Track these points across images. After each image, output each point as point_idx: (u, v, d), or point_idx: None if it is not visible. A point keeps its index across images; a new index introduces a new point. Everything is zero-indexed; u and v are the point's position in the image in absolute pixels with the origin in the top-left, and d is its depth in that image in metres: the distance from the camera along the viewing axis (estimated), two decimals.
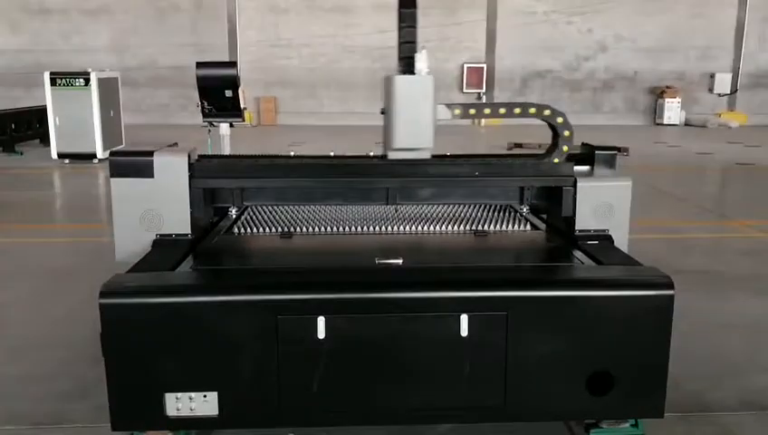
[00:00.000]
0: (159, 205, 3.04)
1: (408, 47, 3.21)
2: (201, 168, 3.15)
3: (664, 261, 5.49)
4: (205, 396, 2.42)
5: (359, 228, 3.21)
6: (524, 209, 3.47)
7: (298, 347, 2.38)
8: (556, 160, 3.28)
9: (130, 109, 15.56)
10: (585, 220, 3.13)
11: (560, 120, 3.26)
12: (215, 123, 6.53)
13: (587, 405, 2.50)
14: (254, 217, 3.41)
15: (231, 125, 6.46)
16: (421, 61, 3.17)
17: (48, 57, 18.66)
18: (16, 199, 8.45)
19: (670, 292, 2.43)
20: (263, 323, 2.36)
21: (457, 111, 3.24)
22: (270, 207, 3.52)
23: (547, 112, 3.25)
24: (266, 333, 2.36)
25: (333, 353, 2.40)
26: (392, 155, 3.21)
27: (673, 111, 19.34)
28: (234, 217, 3.40)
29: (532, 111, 3.26)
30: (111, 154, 3.11)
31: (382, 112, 3.26)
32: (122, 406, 2.40)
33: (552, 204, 3.30)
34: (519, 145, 13.41)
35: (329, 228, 3.21)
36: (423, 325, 2.40)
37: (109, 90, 11.64)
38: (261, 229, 3.20)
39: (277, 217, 3.41)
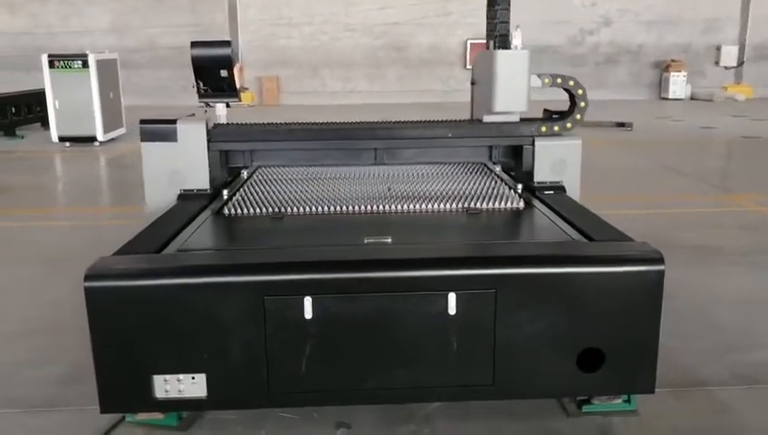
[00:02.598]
0: (182, 165, 3.65)
1: (504, 26, 3.90)
2: (217, 133, 3.81)
3: (661, 236, 5.45)
4: (193, 378, 2.43)
5: (350, 208, 3.19)
6: (497, 169, 3.96)
7: (285, 328, 2.38)
8: (569, 125, 3.80)
9: (131, 91, 15.49)
10: (542, 173, 3.68)
11: (580, 91, 3.83)
12: (211, 104, 6.45)
13: (577, 382, 2.49)
14: (245, 196, 3.40)
15: (227, 105, 6.37)
16: (517, 38, 3.81)
17: (47, 40, 18.59)
18: (16, 183, 8.45)
19: (660, 267, 2.41)
20: (249, 304, 2.36)
21: (547, 80, 3.84)
22: (267, 184, 3.66)
23: (572, 83, 3.84)
24: (253, 314, 2.36)
25: (321, 334, 2.39)
26: (488, 118, 3.85)
27: (678, 84, 19.11)
28: (245, 177, 3.92)
29: (559, 80, 3.85)
30: (141, 122, 3.76)
31: (472, 84, 4.11)
32: (110, 388, 2.41)
33: (517, 160, 3.88)
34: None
35: (320, 208, 3.19)
36: (410, 304, 2.39)
37: (108, 72, 11.58)
38: (254, 210, 3.19)
39: (272, 197, 3.40)
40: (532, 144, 3.72)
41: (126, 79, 16.83)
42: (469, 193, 3.42)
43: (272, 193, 3.50)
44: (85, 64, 10.99)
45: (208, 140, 3.70)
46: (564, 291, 2.41)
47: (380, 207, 3.20)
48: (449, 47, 19.76)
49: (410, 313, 2.39)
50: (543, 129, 3.79)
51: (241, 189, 3.59)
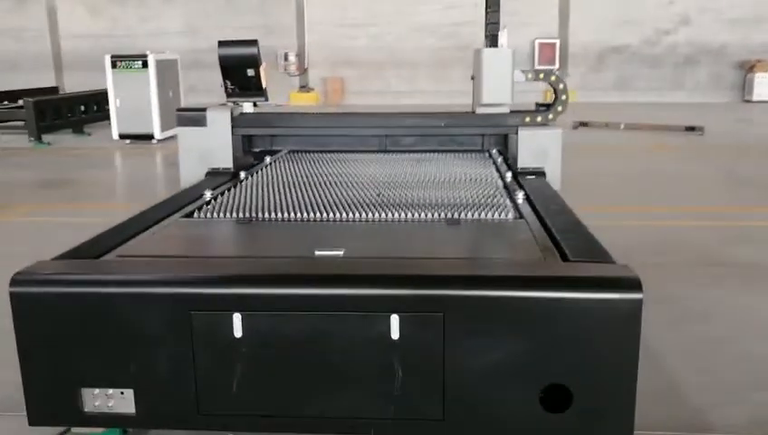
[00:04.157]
0: (210, 146, 4.28)
1: (493, 27, 4.34)
2: (240, 120, 4.50)
3: (708, 251, 4.99)
4: (122, 393, 2.28)
5: (330, 214, 2.99)
6: (499, 160, 4.25)
7: (213, 346, 2.19)
8: (550, 117, 4.20)
9: (204, 90, 15.87)
10: (525, 160, 4.07)
11: (561, 86, 4.25)
12: (239, 103, 6.39)
13: (541, 423, 2.18)
14: (230, 197, 3.29)
15: (254, 105, 6.30)
16: (503, 37, 4.35)
17: (126, 42, 19.28)
18: (79, 178, 8.70)
19: (637, 295, 2.07)
20: (176, 318, 2.18)
21: (530, 75, 4.27)
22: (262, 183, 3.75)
23: (553, 78, 4.28)
24: (180, 329, 2.18)
25: (250, 354, 2.19)
26: (479, 110, 4.29)
27: (764, 86, 17.88)
28: (267, 163, 4.31)
29: (541, 75, 4.29)
30: (177, 110, 4.51)
31: (472, 78, 4.39)
32: (38, 401, 2.29)
33: (506, 148, 4.42)
34: (584, 124, 12.74)
35: (293, 214, 3.00)
36: (348, 326, 2.15)
37: (167, 72, 11.84)
38: (224, 214, 3.04)
39: (253, 200, 3.29)
40: (517, 133, 4.16)
41: (198, 78, 17.26)
42: (458, 198, 3.22)
43: (256, 194, 3.40)
44: (145, 65, 11.26)
45: (232, 126, 4.39)
46: (523, 317, 2.11)
47: (358, 214, 2.99)
48: (516, 47, 19.17)
49: (347, 335, 2.16)
50: (527, 119, 4.22)
51: (234, 187, 3.64)
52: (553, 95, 4.29)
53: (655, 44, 18.74)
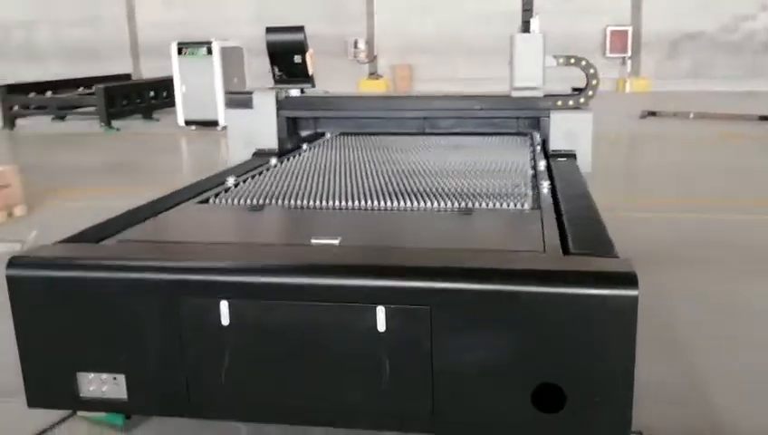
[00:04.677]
0: (257, 127, 4.55)
1: (527, 13, 4.54)
2: (285, 102, 4.77)
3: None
4: (114, 378, 2.30)
5: (343, 202, 2.93)
6: (538, 145, 4.26)
7: (201, 334, 2.18)
8: (582, 100, 4.35)
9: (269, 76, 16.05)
10: (557, 142, 4.24)
11: (592, 71, 4.41)
12: (286, 90, 6.39)
13: (534, 423, 2.07)
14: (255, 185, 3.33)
15: (302, 91, 6.28)
16: (535, 23, 4.49)
17: (198, 30, 19.73)
18: (133, 163, 8.98)
19: (632, 292, 1.92)
20: (164, 304, 2.18)
21: (561, 61, 4.44)
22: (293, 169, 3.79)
23: (584, 63, 4.41)
24: (168, 316, 2.18)
25: (238, 343, 2.17)
26: (514, 93, 4.49)
27: None
28: (303, 150, 4.38)
29: (573, 61, 4.44)
30: (226, 93, 5.54)
31: (509, 63, 4.54)
32: (36, 383, 2.34)
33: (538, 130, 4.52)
34: (653, 113, 12.18)
35: (309, 202, 2.96)
36: (334, 316, 2.10)
37: (232, 59, 12.03)
38: (238, 201, 3.03)
39: (272, 187, 3.28)
40: (549, 116, 4.29)
41: (267, 66, 17.51)
42: (480, 187, 3.14)
43: (278, 181, 3.41)
44: (209, 51, 11.48)
45: (277, 108, 4.64)
46: (511, 312, 2.00)
47: (372, 203, 2.92)
48: (588, 34, 18.57)
49: (333, 325, 2.10)
50: (559, 103, 4.36)
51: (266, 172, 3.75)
52: (586, 81, 4.39)
53: (733, 31, 17.71)
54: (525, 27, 4.60)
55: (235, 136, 4.65)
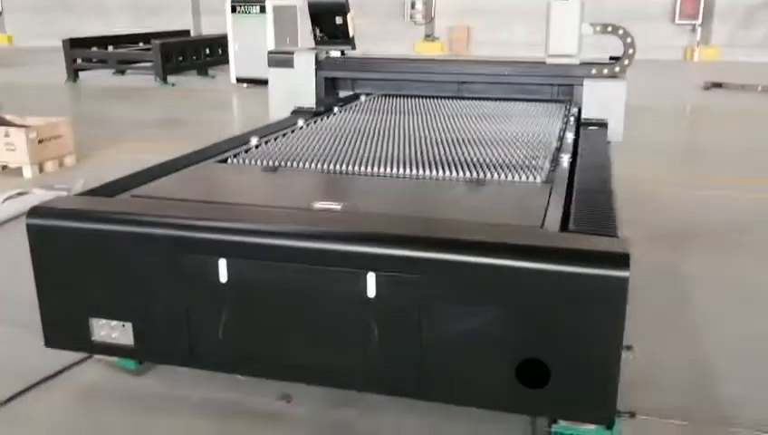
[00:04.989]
0: (296, 86, 4.74)
1: None
2: (325, 63, 4.89)
3: None
4: (123, 325, 2.41)
5: (356, 167, 2.96)
6: (572, 114, 4.28)
7: (201, 289, 2.26)
8: (617, 69, 4.29)
9: None
10: (589, 111, 4.25)
11: (629, 40, 4.32)
12: (327, 51, 6.39)
13: (517, 397, 2.09)
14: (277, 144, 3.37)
15: (342, 53, 6.27)
16: None
17: None
18: (183, 119, 9.19)
19: (622, 272, 1.89)
20: (166, 259, 2.27)
21: (598, 29, 4.41)
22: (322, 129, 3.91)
23: (621, 32, 4.35)
24: (169, 270, 2.27)
25: (234, 299, 2.24)
26: (548, 60, 4.50)
27: None
28: (334, 112, 4.48)
29: (609, 29, 4.40)
30: (269, 53, 5.01)
31: (546, 30, 4.53)
32: (53, 325, 2.47)
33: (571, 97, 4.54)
34: (718, 85, 11.66)
35: (323, 165, 3.00)
36: (326, 280, 2.14)
37: (285, 17, 12.05)
38: (254, 162, 3.09)
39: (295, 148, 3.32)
40: (582, 84, 4.29)
41: None
42: (499, 157, 3.12)
43: (301, 143, 3.45)
44: (263, 10, 11.52)
45: (317, 68, 4.78)
46: (499, 286, 2.00)
47: (385, 169, 2.93)
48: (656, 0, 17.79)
49: (326, 290, 2.15)
50: (594, 71, 4.32)
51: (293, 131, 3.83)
52: (623, 50, 4.33)
53: None
54: None
55: (275, 94, 4.83)
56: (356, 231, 2.15)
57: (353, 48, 6.29)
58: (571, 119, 4.17)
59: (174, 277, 2.27)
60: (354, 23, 6.33)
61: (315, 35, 6.43)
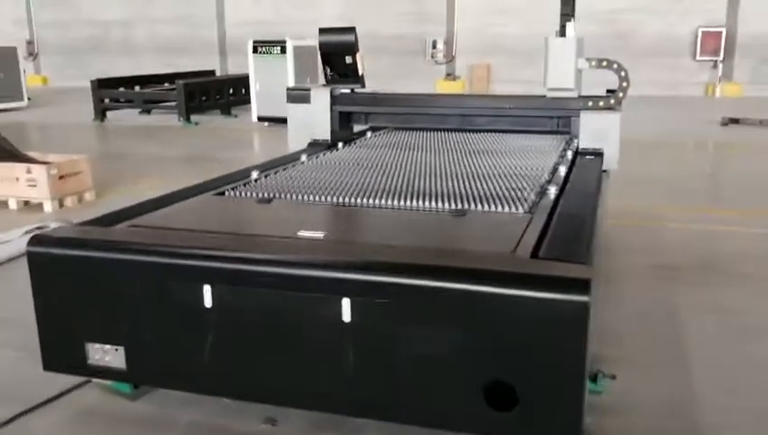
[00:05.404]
0: (313, 120, 5.05)
1: (565, 18, 4.84)
2: (339, 98, 5.19)
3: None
4: (116, 350, 2.52)
5: (346, 199, 3.07)
6: (570, 147, 4.39)
7: (186, 313, 2.37)
8: (612, 102, 4.48)
9: None
10: (585, 141, 4.46)
11: (623, 73, 4.52)
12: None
13: (486, 420, 2.13)
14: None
15: (352, 91, 6.45)
16: (569, 29, 4.75)
17: (284, 28, 20.31)
18: (202, 156, 9.44)
19: (583, 298, 1.95)
20: (155, 285, 2.38)
21: (593, 63, 4.58)
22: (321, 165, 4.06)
23: (615, 66, 4.52)
24: (158, 296, 2.38)
25: (216, 324, 2.34)
26: (548, 94, 4.69)
27: None
28: (338, 148, 4.70)
29: (605, 63, 4.55)
30: (287, 89, 5.33)
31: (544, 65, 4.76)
32: (50, 350, 2.59)
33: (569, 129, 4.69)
34: (735, 121, 11.64)
35: (316, 197, 3.12)
36: (303, 305, 2.23)
37: (305, 57, 12.35)
38: (251, 194, 3.23)
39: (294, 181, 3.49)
40: (578, 116, 4.49)
41: None
42: (485, 190, 3.21)
43: (299, 176, 3.62)
44: (283, 50, 11.86)
45: (332, 103, 5.07)
46: (467, 311, 2.07)
47: (372, 201, 3.04)
48: (678, 36, 17.88)
49: (303, 314, 2.24)
50: (590, 104, 4.50)
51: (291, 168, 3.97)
52: (618, 83, 4.50)
53: None
54: (562, 32, 4.78)
55: (293, 128, 5.17)
56: (331, 258, 2.25)
57: (362, 86, 6.48)
58: (569, 151, 4.26)
59: (161, 302, 2.38)
60: (363, 62, 6.54)
61: (326, 74, 6.65)
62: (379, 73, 20.35)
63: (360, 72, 6.51)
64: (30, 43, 23.82)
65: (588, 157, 4.25)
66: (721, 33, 17.50)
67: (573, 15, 5.03)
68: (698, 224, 5.60)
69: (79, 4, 23.22)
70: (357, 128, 5.56)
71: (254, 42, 12.14)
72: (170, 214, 2.94)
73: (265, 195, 3.19)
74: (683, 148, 9.93)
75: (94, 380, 2.88)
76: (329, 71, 6.56)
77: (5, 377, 3.06)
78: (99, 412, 2.76)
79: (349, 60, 6.40)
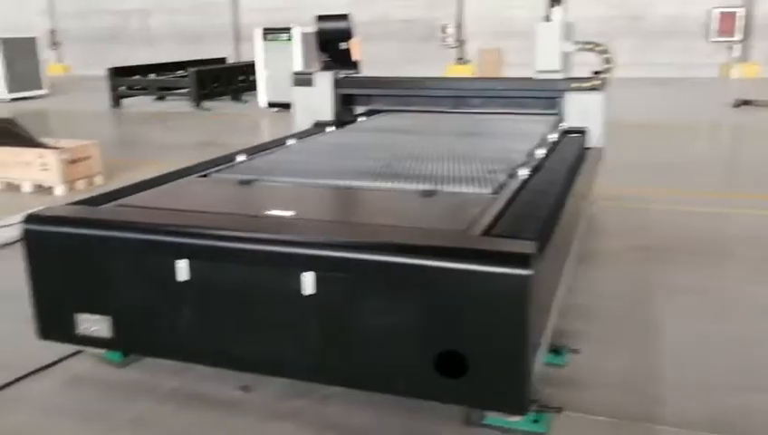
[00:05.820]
0: (316, 103, 5.36)
1: (552, 2, 5.03)
2: (342, 81, 5.46)
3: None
4: (104, 319, 2.71)
5: (322, 180, 3.23)
6: (557, 128, 4.64)
7: (163, 286, 2.54)
8: (597, 82, 4.68)
9: (362, 61, 16.44)
10: (571, 120, 4.74)
11: (606, 55, 4.91)
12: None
13: (437, 387, 2.29)
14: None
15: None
16: (556, 13, 4.96)
17: (295, 14, 20.40)
18: (209, 141, 9.65)
19: (524, 271, 2.09)
20: (135, 259, 2.56)
21: (578, 46, 4.94)
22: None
23: (599, 48, 4.95)
24: (140, 269, 2.57)
25: (189, 297, 2.52)
26: (536, 76, 4.93)
27: None
28: (327, 131, 4.89)
29: (589, 46, 4.99)
30: (293, 73, 5.71)
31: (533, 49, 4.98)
32: (43, 320, 2.79)
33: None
34: (747, 102, 11.57)
35: (294, 178, 3.27)
36: (269, 279, 2.40)
37: (312, 44, 12.43)
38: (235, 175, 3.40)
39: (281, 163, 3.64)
40: (563, 97, 4.76)
41: (366, 51, 17.92)
42: (458, 171, 3.34)
43: (284, 159, 3.78)
44: (291, 37, 11.98)
45: (334, 87, 5.34)
46: (418, 285, 2.22)
47: (349, 181, 3.20)
48: (692, 16, 17.68)
49: (268, 287, 2.41)
50: (575, 85, 4.71)
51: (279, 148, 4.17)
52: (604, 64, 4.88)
53: None
54: (548, 17, 5.03)
55: (298, 110, 5.48)
56: (293, 236, 2.41)
57: (358, 72, 6.61)
58: (554, 131, 4.49)
59: (142, 275, 2.57)
60: (360, 48, 6.66)
61: (322, 60, 6.79)
62: (389, 59, 20.45)
63: (356, 59, 6.66)
64: (53, 32, 24.20)
65: (573, 135, 4.49)
66: (736, 13, 17.28)
67: (560, 1, 5.14)
68: (685, 206, 5.67)
69: None
70: (361, 110, 5.85)
71: (264, 29, 12.29)
72: (156, 194, 3.12)
73: (246, 177, 3.36)
74: (688, 130, 9.92)
75: (87, 349, 3.08)
76: (325, 56, 6.72)
77: (5, 346, 3.28)
78: (89, 379, 2.96)
79: (344, 46, 6.56)
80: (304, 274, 2.33)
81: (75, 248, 2.67)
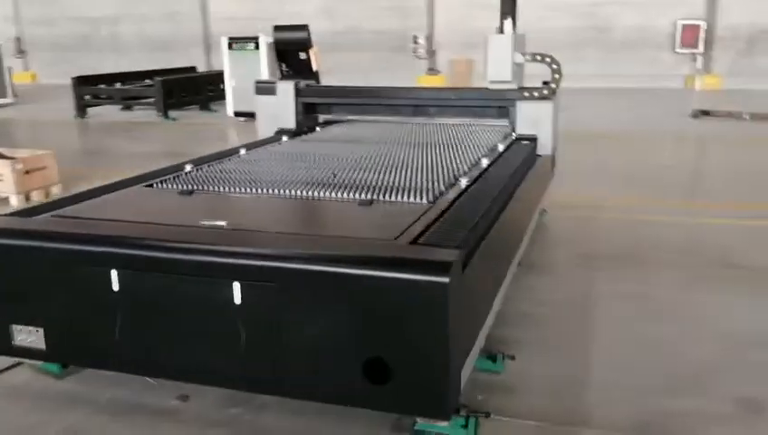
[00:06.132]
0: (279, 111, 5.48)
1: (504, 15, 5.28)
2: (303, 90, 5.55)
3: (729, 253, 4.64)
4: (37, 331, 2.71)
5: (262, 190, 3.26)
6: (508, 138, 4.88)
7: (96, 296, 2.55)
8: (545, 93, 4.88)
9: (338, 71, 16.48)
10: (521, 128, 4.95)
11: (555, 66, 4.92)
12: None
13: (364, 393, 2.33)
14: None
15: (307, 86, 6.64)
16: (507, 26, 5.17)
17: (266, 24, 20.42)
18: (174, 151, 9.62)
19: (443, 279, 2.14)
20: (66, 270, 2.57)
21: (528, 57, 5.04)
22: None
23: (548, 60, 4.95)
24: (71, 280, 2.57)
25: (121, 306, 2.53)
26: (491, 86, 5.09)
27: None
28: (282, 140, 5.01)
29: (539, 57, 4.99)
30: (256, 82, 5.80)
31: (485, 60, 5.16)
32: None
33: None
34: (706, 113, 11.83)
35: (234, 189, 3.30)
36: (200, 289, 2.42)
37: None
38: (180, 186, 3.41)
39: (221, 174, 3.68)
40: (515, 106, 4.92)
41: (333, 61, 17.99)
42: (399, 181, 3.40)
43: (229, 169, 3.82)
44: (257, 46, 12.00)
45: (296, 96, 5.46)
46: (344, 293, 2.26)
47: (288, 192, 3.23)
48: (657, 28, 18.03)
49: (198, 296, 2.43)
50: (526, 94, 4.89)
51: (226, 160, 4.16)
52: (552, 75, 4.92)
53: None
54: (501, 29, 5.20)
55: (261, 119, 5.61)
56: (223, 246, 2.44)
57: (317, 82, 6.66)
58: (505, 139, 4.68)
59: (73, 286, 2.57)
60: (318, 58, 6.71)
61: (281, 70, 6.83)
62: (361, 69, 20.55)
63: (315, 68, 6.71)
64: (18, 40, 23.91)
65: (523, 142, 4.66)
66: (699, 25, 17.67)
67: (511, 14, 5.26)
68: (633, 214, 5.79)
69: (66, 0, 23.31)
70: (323, 118, 5.91)
71: (229, 38, 12.29)
72: (93, 205, 3.13)
73: (188, 187, 3.37)
74: (645, 140, 10.12)
75: (26, 361, 3.07)
76: (284, 67, 6.77)
77: None
78: (26, 390, 2.95)
79: (303, 56, 6.61)
80: (233, 283, 2.36)
81: (6, 259, 2.67)
